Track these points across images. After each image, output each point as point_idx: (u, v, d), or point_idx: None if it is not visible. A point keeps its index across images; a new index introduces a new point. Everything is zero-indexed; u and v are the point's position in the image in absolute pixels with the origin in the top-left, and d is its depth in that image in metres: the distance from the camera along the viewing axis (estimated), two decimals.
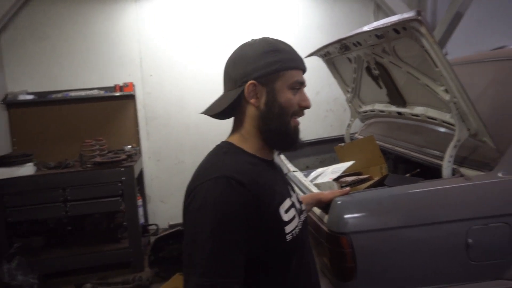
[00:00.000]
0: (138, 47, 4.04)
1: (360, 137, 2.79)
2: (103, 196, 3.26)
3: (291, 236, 1.01)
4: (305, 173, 2.36)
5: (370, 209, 1.50)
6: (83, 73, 3.97)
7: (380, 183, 1.67)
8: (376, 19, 4.42)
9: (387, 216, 1.49)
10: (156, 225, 3.87)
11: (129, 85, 3.93)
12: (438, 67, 1.59)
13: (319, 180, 2.13)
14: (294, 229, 1.03)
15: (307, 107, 1.06)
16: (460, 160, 1.71)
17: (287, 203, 1.04)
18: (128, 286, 2.95)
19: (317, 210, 1.62)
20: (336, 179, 2.08)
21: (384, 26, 1.69)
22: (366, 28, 1.88)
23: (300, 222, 1.08)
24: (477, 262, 1.48)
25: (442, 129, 1.99)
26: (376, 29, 1.78)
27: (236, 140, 1.06)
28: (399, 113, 2.26)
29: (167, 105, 4.12)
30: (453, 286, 1.47)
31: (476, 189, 1.52)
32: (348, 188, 1.53)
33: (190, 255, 0.90)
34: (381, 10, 4.42)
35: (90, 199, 3.25)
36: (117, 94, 3.91)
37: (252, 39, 1.08)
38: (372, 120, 2.87)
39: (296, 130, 1.07)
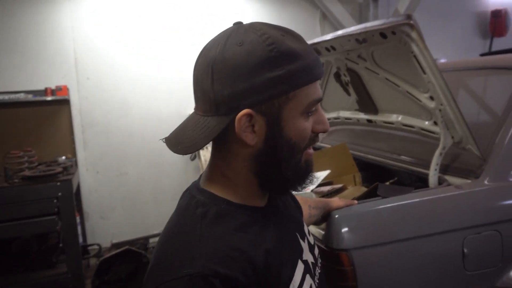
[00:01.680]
0: (72, 46, 3.64)
1: (323, 145, 2.73)
2: (35, 216, 2.83)
3: None
4: None
5: (369, 223, 1.41)
6: (6, 73, 3.47)
7: (371, 194, 1.59)
8: (322, 28, 4.48)
9: (387, 229, 1.41)
10: (98, 245, 3.48)
11: (63, 89, 3.52)
12: (426, 73, 1.56)
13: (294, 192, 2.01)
14: None
15: (325, 131, 0.75)
16: (443, 168, 1.70)
17: (298, 275, 0.75)
18: None
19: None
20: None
21: (370, 30, 1.63)
22: (345, 31, 1.81)
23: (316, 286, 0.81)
24: (472, 272, 1.45)
25: (411, 136, 2.00)
26: (359, 33, 1.71)
27: (218, 186, 0.74)
28: (369, 121, 2.23)
29: (107, 111, 3.76)
30: None
31: (467, 198, 1.51)
32: (355, 200, 1.43)
33: None
34: (326, 19, 4.49)
35: (20, 219, 2.81)
36: (49, 98, 3.46)
37: (238, 28, 0.70)
38: (333, 128, 2.83)
39: (308, 166, 0.75)
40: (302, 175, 0.75)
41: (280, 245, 0.74)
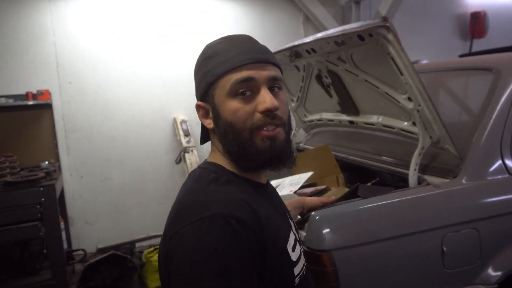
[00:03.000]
0: (54, 50, 3.59)
1: (307, 146, 2.75)
2: (17, 222, 2.79)
3: (299, 279, 0.85)
4: None
5: (350, 223, 1.43)
6: None
7: (352, 194, 1.61)
8: (305, 30, 4.51)
9: (367, 229, 1.43)
10: (83, 250, 3.44)
11: (45, 93, 3.47)
12: (404, 75, 1.58)
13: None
14: (302, 269, 0.88)
15: (268, 109, 0.81)
16: (422, 168, 1.72)
17: (292, 238, 0.87)
18: None
19: None
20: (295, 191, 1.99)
21: (348, 32, 1.65)
22: (324, 34, 1.83)
23: (303, 258, 0.92)
24: (451, 269, 1.48)
25: (392, 136, 2.03)
26: (338, 36, 1.73)
27: (221, 161, 0.89)
28: (351, 122, 2.25)
29: (89, 115, 3.72)
30: None
31: (445, 197, 1.53)
32: (334, 197, 1.44)
33: None
34: (309, 21, 4.51)
35: (2, 225, 2.75)
36: (30, 103, 3.42)
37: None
38: (316, 129, 2.85)
39: (267, 146, 0.82)
40: (263, 152, 0.83)
41: (277, 214, 0.88)
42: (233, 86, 0.81)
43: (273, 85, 0.85)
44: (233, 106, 0.82)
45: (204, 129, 0.94)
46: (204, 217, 0.71)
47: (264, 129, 0.82)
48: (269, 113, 0.81)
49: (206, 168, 0.88)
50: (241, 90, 0.82)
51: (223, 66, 0.83)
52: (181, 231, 0.72)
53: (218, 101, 0.84)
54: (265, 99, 0.81)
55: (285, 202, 1.41)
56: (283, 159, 0.85)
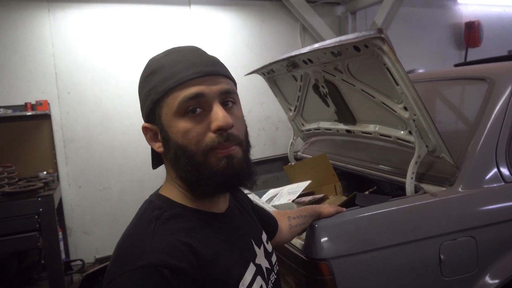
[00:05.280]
0: (52, 61, 3.62)
1: (305, 155, 2.76)
2: (15, 232, 2.78)
3: None
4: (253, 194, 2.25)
5: (348, 232, 1.43)
6: None
7: (350, 203, 1.62)
8: (303, 40, 4.55)
9: (365, 238, 1.44)
10: (81, 260, 3.43)
11: (44, 104, 3.49)
12: (399, 85, 1.60)
13: (276, 202, 2.03)
14: None
15: (221, 127, 0.74)
16: (419, 176, 1.74)
17: (249, 274, 0.80)
18: None
19: None
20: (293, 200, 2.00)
21: (344, 43, 1.68)
22: (321, 45, 1.86)
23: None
24: (449, 277, 1.49)
25: (388, 145, 2.05)
26: (334, 47, 1.76)
27: (174, 192, 0.81)
28: (348, 131, 2.28)
29: (88, 125, 3.74)
30: None
31: (442, 205, 1.54)
32: (344, 208, 1.45)
33: None
34: (307, 31, 4.56)
35: (0, 236, 2.75)
36: (29, 113, 3.43)
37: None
38: (314, 138, 2.87)
39: (225, 166, 0.75)
40: (219, 175, 0.75)
41: (231, 248, 0.80)
42: (181, 104, 0.74)
43: (226, 99, 0.78)
44: (183, 127, 0.74)
45: (154, 153, 0.86)
46: (136, 268, 0.66)
47: (218, 150, 0.75)
48: (222, 132, 0.74)
49: (153, 201, 0.81)
50: (190, 108, 0.74)
51: (168, 82, 0.75)
52: (114, 281, 0.68)
53: (166, 122, 0.76)
54: (218, 116, 0.74)
55: (300, 208, 1.42)
56: (242, 179, 0.78)
